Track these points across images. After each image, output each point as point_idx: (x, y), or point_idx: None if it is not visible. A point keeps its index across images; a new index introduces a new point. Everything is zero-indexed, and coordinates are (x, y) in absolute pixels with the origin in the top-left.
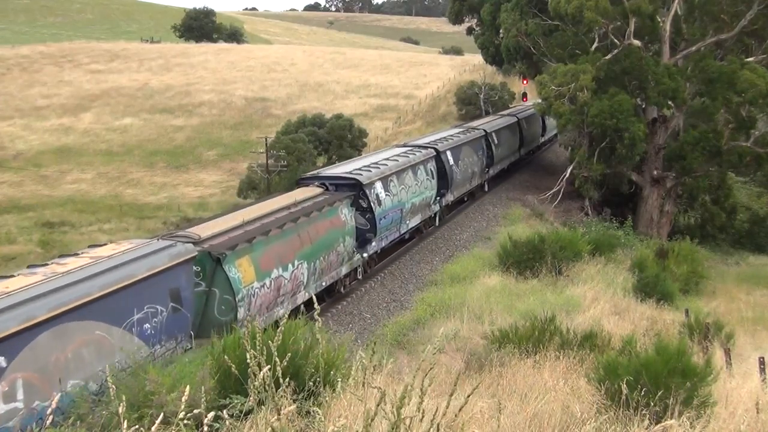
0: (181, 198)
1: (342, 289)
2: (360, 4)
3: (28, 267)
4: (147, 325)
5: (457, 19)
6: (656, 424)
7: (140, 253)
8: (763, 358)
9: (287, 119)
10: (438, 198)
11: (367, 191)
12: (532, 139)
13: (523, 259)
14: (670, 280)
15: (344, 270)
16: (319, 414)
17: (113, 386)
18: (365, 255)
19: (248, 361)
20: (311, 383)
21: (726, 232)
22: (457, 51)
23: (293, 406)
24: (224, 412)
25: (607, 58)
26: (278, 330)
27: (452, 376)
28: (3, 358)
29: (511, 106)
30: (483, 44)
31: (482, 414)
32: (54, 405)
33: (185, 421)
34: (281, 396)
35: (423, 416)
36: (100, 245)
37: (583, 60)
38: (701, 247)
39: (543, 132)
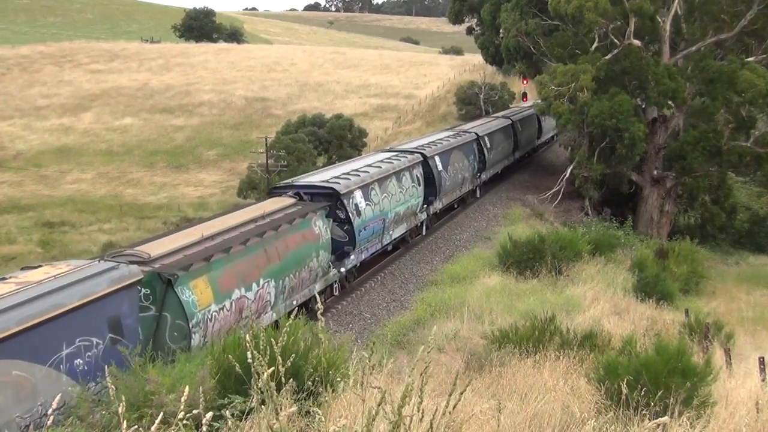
0: (181, 198)
1: (317, 307)
2: (360, 4)
3: None
4: (79, 361)
5: (457, 19)
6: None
7: (75, 278)
8: (763, 358)
9: (287, 119)
10: (425, 206)
11: (345, 201)
12: (528, 142)
13: (523, 259)
14: (670, 280)
15: (318, 287)
16: (319, 414)
17: (113, 386)
18: (342, 270)
19: (250, 361)
20: (311, 383)
21: (726, 232)
22: (457, 51)
23: (294, 408)
24: (227, 412)
25: (607, 58)
26: (283, 331)
27: (452, 376)
28: None
29: (511, 106)
30: (483, 44)
31: (482, 414)
32: (55, 405)
33: (185, 422)
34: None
35: (423, 416)
36: (34, 267)
37: (583, 60)
38: (701, 247)
39: (539, 134)
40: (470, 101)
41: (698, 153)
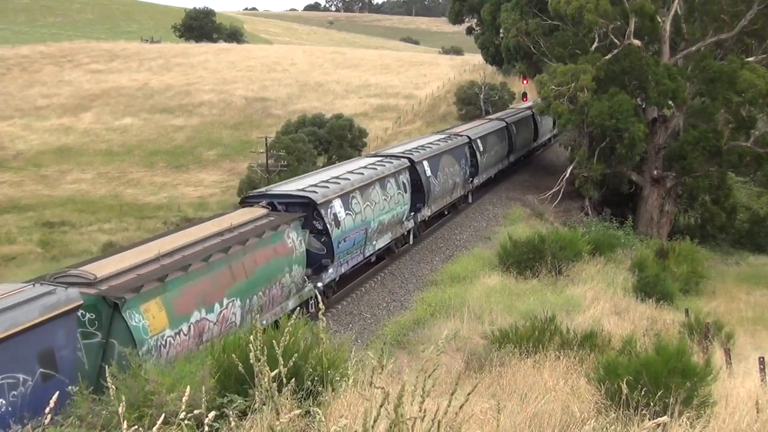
0: (181, 198)
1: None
2: (360, 4)
3: None
4: (1, 401)
5: (457, 19)
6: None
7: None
8: (763, 357)
9: (287, 119)
10: (412, 213)
11: (323, 211)
12: (523, 145)
13: (523, 259)
14: (670, 280)
15: (291, 304)
16: (319, 414)
17: (113, 386)
18: (320, 284)
19: (252, 362)
20: (311, 383)
21: (726, 232)
22: (457, 51)
23: (297, 411)
24: (230, 411)
25: (607, 58)
26: (285, 331)
27: (452, 376)
28: None
29: (511, 106)
30: (483, 44)
31: (482, 414)
32: (52, 404)
33: (186, 422)
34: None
35: (425, 416)
36: None
37: (583, 60)
38: (701, 247)
39: (535, 137)
40: (470, 101)
41: (698, 153)
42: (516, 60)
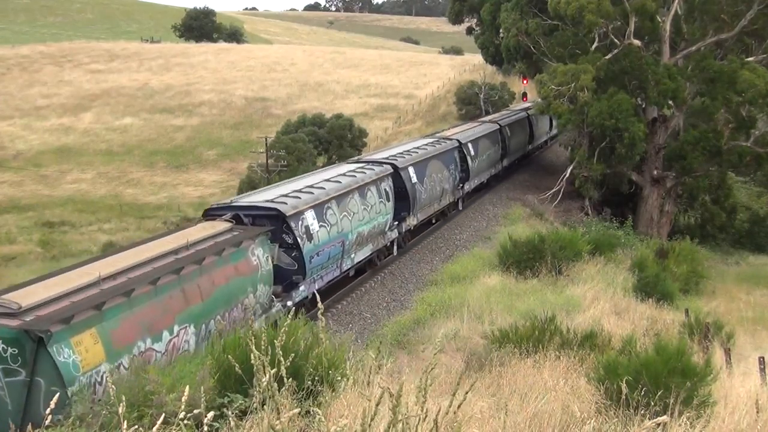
0: (181, 198)
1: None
2: (360, 4)
3: None
4: None
5: (457, 19)
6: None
7: None
8: (763, 357)
9: (287, 119)
10: (396, 223)
11: (293, 224)
12: (517, 148)
13: (523, 259)
14: (670, 280)
15: (256, 327)
16: (319, 414)
17: (113, 386)
18: (289, 303)
19: (252, 362)
20: (311, 383)
21: (726, 232)
22: (457, 51)
23: (296, 410)
24: (230, 411)
25: (607, 58)
26: (282, 330)
27: (452, 375)
28: None
29: (511, 106)
30: (483, 44)
31: (482, 414)
32: (53, 404)
33: (185, 421)
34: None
35: (426, 416)
36: None
37: (584, 60)
38: (701, 247)
39: (530, 140)
40: (470, 101)
41: (698, 153)
42: (516, 60)
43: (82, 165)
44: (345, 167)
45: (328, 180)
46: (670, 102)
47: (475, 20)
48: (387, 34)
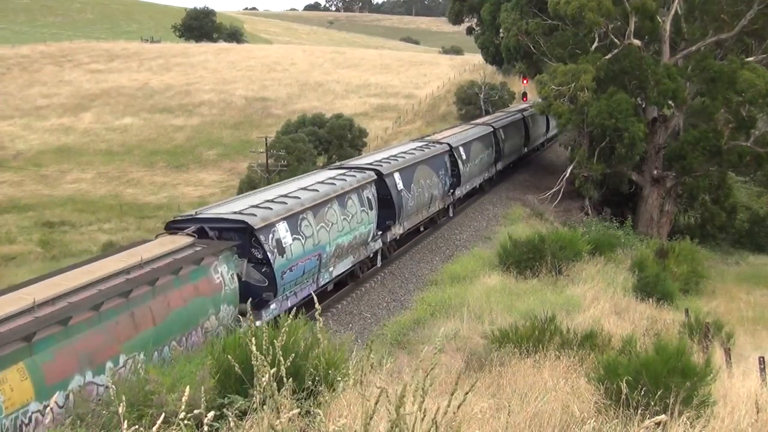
0: (181, 198)
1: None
2: (360, 4)
3: None
4: None
5: (457, 19)
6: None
7: None
8: (762, 357)
9: (287, 119)
10: (380, 233)
11: (262, 237)
12: (512, 151)
13: (523, 259)
14: (670, 280)
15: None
16: (320, 414)
17: (113, 386)
18: (258, 323)
19: (253, 362)
20: (311, 383)
21: (726, 231)
22: (457, 51)
23: (296, 410)
24: (230, 411)
25: (607, 57)
26: (282, 330)
27: (452, 375)
28: None
29: (511, 106)
30: (483, 44)
31: (482, 414)
32: (53, 404)
33: (186, 421)
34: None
35: (425, 416)
36: None
37: (584, 60)
38: (701, 246)
39: (526, 142)
40: (470, 101)
41: (698, 153)
42: (516, 60)
43: (82, 165)
44: (325, 174)
45: (304, 189)
46: (670, 102)
47: (475, 20)
48: (387, 34)
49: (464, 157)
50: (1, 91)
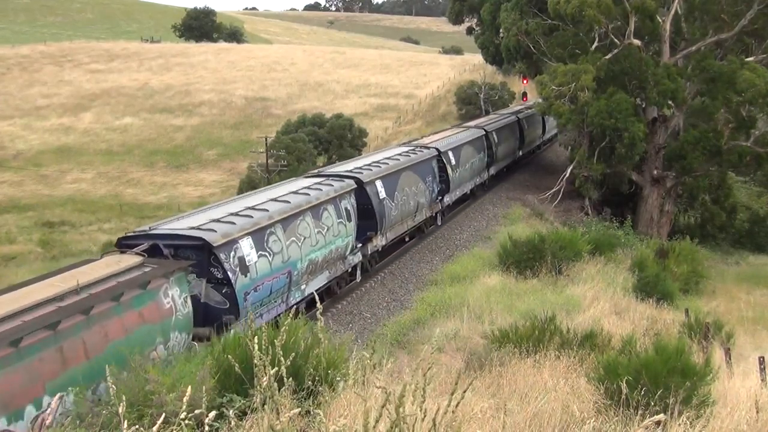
0: (181, 198)
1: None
2: (360, 4)
3: None
4: None
5: (457, 19)
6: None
7: None
8: (762, 357)
9: (287, 119)
10: (360, 245)
11: (222, 255)
12: (506, 155)
13: (523, 259)
14: (670, 280)
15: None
16: (320, 414)
17: (113, 386)
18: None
19: (255, 362)
20: (311, 383)
21: (726, 231)
22: (457, 51)
23: (296, 410)
24: (230, 411)
25: (607, 57)
26: (282, 330)
27: (452, 375)
28: None
29: (510, 106)
30: (483, 44)
31: (482, 414)
32: (54, 405)
33: (186, 421)
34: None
35: (425, 416)
36: None
37: (584, 60)
38: (701, 246)
39: (521, 145)
40: (470, 101)
41: (698, 153)
42: (516, 60)
43: (82, 165)
44: (299, 183)
45: (274, 200)
46: (670, 102)
47: (475, 20)
48: (387, 34)
49: (453, 162)
50: (1, 91)
